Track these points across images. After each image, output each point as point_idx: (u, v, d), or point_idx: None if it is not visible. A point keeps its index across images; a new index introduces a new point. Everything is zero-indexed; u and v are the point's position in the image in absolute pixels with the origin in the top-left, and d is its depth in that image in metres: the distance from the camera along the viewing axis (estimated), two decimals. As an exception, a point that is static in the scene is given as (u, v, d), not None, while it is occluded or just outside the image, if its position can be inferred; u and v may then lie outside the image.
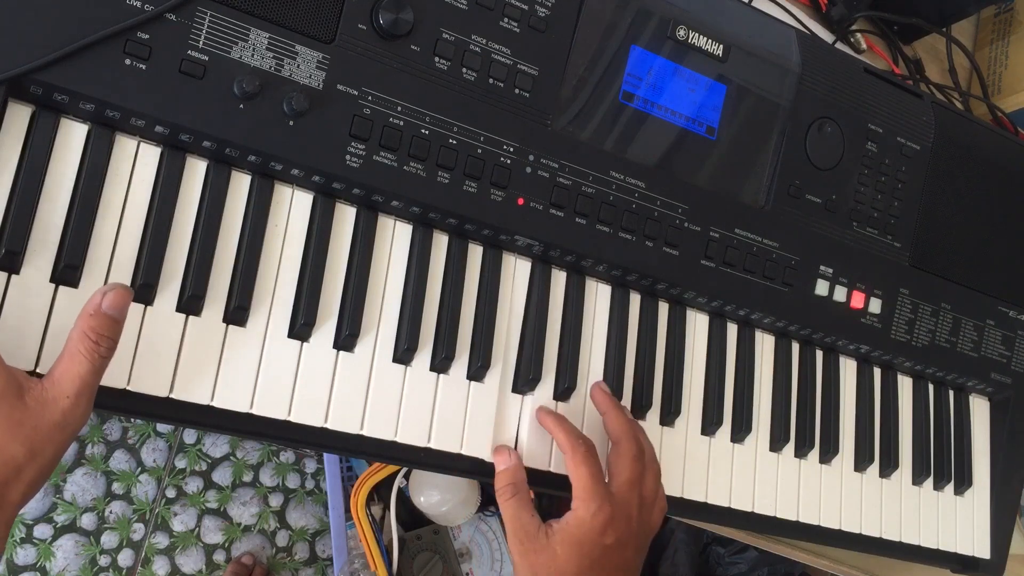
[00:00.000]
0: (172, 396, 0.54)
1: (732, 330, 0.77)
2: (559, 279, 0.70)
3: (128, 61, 0.53)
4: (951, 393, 0.89)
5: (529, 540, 0.61)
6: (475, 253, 0.66)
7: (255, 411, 0.57)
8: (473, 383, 0.65)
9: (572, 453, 0.62)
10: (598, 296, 0.71)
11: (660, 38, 0.70)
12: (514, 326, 0.67)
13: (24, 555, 1.43)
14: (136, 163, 0.56)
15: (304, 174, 0.59)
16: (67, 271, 0.52)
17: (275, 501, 1.58)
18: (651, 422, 0.71)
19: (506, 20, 0.64)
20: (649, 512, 0.65)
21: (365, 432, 0.60)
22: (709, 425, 0.74)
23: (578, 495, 0.62)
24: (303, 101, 0.57)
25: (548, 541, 0.61)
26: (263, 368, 0.57)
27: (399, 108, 0.61)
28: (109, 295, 0.49)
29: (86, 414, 0.48)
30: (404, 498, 1.25)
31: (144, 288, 0.54)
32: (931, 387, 0.88)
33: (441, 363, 0.63)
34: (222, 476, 1.56)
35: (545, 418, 0.66)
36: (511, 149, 0.64)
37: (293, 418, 0.58)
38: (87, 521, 1.47)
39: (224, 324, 0.57)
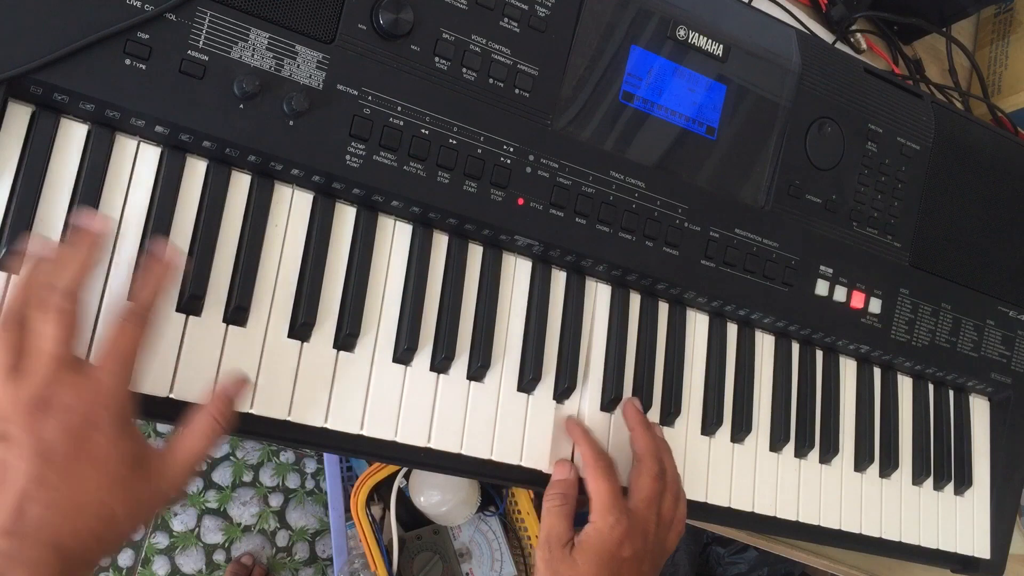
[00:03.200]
0: (172, 396, 0.54)
1: (732, 330, 0.77)
2: (559, 279, 0.70)
3: (128, 61, 0.53)
4: (951, 393, 0.89)
5: (557, 549, 0.63)
6: (475, 253, 0.66)
7: (255, 411, 0.57)
8: (473, 383, 0.65)
9: (593, 466, 0.64)
10: (598, 296, 0.71)
11: (660, 38, 0.70)
12: (514, 326, 0.67)
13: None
14: (136, 163, 0.56)
15: (304, 174, 0.59)
16: (67, 271, 0.52)
17: (275, 501, 1.58)
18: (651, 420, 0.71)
19: (506, 20, 0.64)
20: (666, 531, 0.66)
21: (365, 432, 0.60)
22: (709, 425, 0.74)
23: (596, 508, 0.64)
24: (303, 101, 0.57)
25: (572, 553, 0.63)
26: (263, 368, 0.57)
27: (399, 108, 0.61)
28: (238, 383, 0.53)
29: (187, 488, 0.52)
30: (404, 498, 1.25)
31: (144, 288, 0.54)
32: (931, 387, 0.88)
33: (441, 363, 0.63)
34: (222, 476, 1.56)
35: (574, 429, 0.67)
36: (511, 149, 0.64)
37: (293, 418, 0.58)
38: (87, 521, 1.47)
39: (224, 324, 0.57)
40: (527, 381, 0.66)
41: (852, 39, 1.00)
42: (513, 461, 0.65)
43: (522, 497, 1.27)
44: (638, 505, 0.64)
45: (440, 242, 0.65)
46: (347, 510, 1.30)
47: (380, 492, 1.24)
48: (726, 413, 0.75)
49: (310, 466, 1.62)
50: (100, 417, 0.47)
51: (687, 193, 0.71)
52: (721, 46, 0.72)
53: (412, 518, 1.26)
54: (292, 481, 1.60)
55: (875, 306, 0.79)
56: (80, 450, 0.46)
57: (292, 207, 0.60)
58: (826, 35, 0.97)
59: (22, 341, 0.46)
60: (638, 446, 0.67)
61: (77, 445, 0.46)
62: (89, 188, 0.54)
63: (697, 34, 0.71)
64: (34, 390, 0.46)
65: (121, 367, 0.48)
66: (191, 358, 0.55)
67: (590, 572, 0.62)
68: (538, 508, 1.27)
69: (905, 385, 0.86)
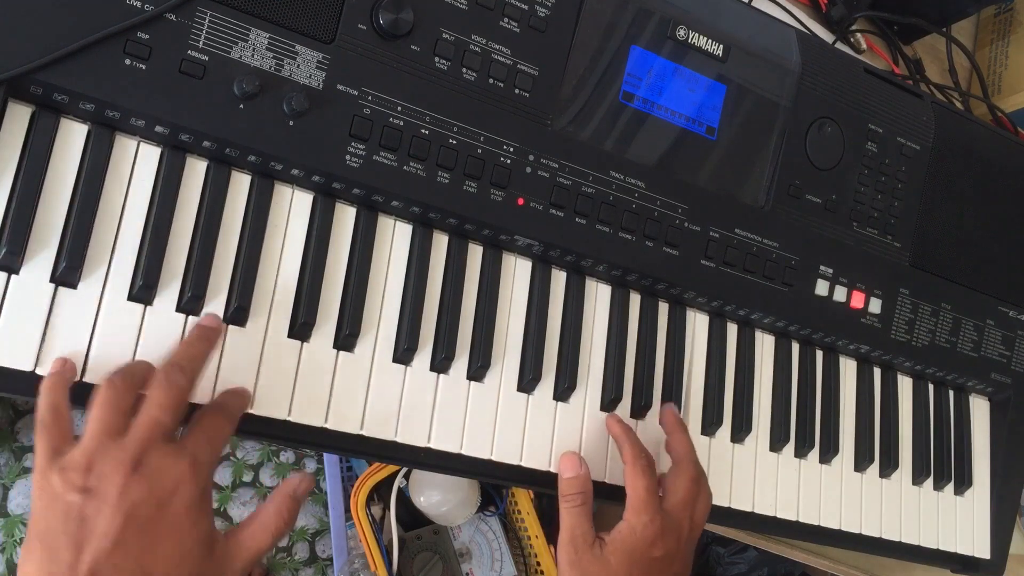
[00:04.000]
0: (172, 396, 0.54)
1: (732, 330, 0.77)
2: (559, 279, 0.70)
3: (128, 61, 0.53)
4: (951, 393, 0.89)
5: (585, 549, 0.62)
6: (475, 253, 0.66)
7: (255, 411, 0.57)
8: (473, 383, 0.65)
9: (634, 464, 0.64)
10: (598, 296, 0.71)
11: (660, 38, 0.70)
12: (514, 326, 0.67)
13: (24, 555, 1.43)
14: (136, 163, 0.56)
15: (304, 174, 0.59)
16: (67, 272, 0.52)
17: (275, 501, 1.58)
18: (651, 422, 0.71)
19: (506, 20, 0.64)
20: (697, 535, 0.66)
21: (365, 432, 0.60)
22: (709, 425, 0.74)
23: (632, 505, 0.63)
24: (303, 101, 0.57)
25: (601, 551, 0.62)
26: (263, 367, 0.57)
27: (399, 108, 0.61)
28: (305, 482, 0.54)
29: None
30: (404, 498, 1.25)
31: (144, 289, 0.54)
32: (931, 387, 0.88)
33: (441, 363, 0.63)
34: (222, 476, 1.56)
35: (614, 426, 0.68)
36: (511, 149, 0.64)
37: (293, 418, 0.58)
38: (87, 521, 1.47)
39: (224, 324, 0.57)
40: (527, 381, 0.66)
41: (852, 39, 1.00)
42: (513, 461, 0.65)
43: (522, 497, 1.27)
44: (675, 506, 0.64)
45: (440, 242, 0.65)
46: (347, 510, 1.30)
47: (380, 492, 1.24)
48: (726, 413, 0.75)
49: (310, 466, 1.62)
50: (187, 490, 0.47)
51: (687, 193, 0.71)
52: (721, 46, 0.72)
53: (412, 518, 1.26)
54: (292, 481, 1.60)
55: (875, 306, 0.79)
56: (162, 518, 0.46)
57: (292, 207, 0.60)
58: (826, 35, 0.97)
59: (132, 406, 0.48)
60: (677, 449, 0.68)
61: (160, 513, 0.46)
62: (89, 188, 0.54)
63: (697, 34, 0.71)
64: (132, 450, 0.46)
65: (212, 449, 0.50)
66: (191, 358, 0.55)
67: (621, 571, 0.61)
68: (538, 508, 1.27)
69: (905, 385, 0.86)
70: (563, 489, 0.65)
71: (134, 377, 0.49)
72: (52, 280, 0.52)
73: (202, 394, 0.55)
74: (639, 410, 0.71)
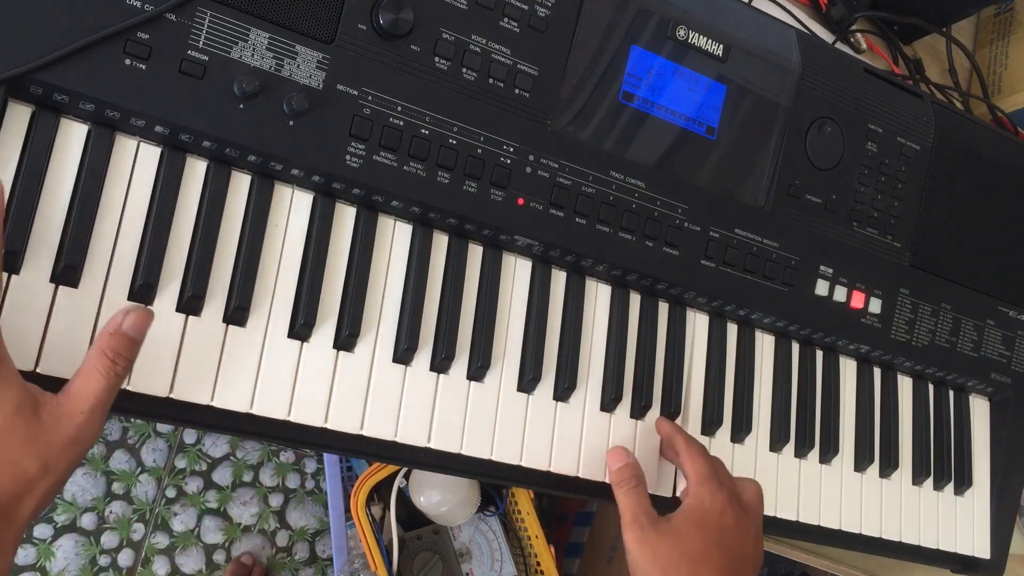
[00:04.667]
0: (172, 396, 0.54)
1: (732, 330, 0.77)
2: (559, 279, 0.70)
3: (128, 61, 0.53)
4: (951, 393, 0.89)
5: (649, 525, 0.63)
6: (475, 253, 0.66)
7: (255, 411, 0.57)
8: (473, 383, 0.65)
9: (687, 449, 0.67)
10: (598, 296, 0.71)
11: (660, 38, 0.70)
12: (514, 326, 0.67)
13: (24, 555, 1.43)
14: (136, 163, 0.56)
15: (304, 174, 0.59)
16: (67, 271, 0.52)
17: (275, 501, 1.58)
18: (651, 422, 0.71)
19: (506, 20, 0.64)
20: (760, 523, 0.67)
21: (365, 432, 0.60)
22: (709, 425, 0.74)
23: (695, 481, 0.65)
24: (303, 101, 0.57)
25: (669, 524, 0.63)
26: (263, 368, 0.57)
27: (399, 108, 0.61)
28: (130, 316, 0.50)
29: (99, 430, 0.49)
30: (404, 498, 1.25)
31: (144, 288, 0.54)
32: (931, 387, 0.88)
33: (441, 363, 0.63)
34: (222, 476, 1.56)
35: (663, 424, 0.71)
36: (511, 149, 0.64)
37: (293, 418, 0.58)
38: (87, 521, 1.47)
39: (224, 324, 0.57)
40: (527, 381, 0.66)
41: (852, 39, 1.00)
42: (513, 461, 0.65)
43: (522, 497, 1.27)
44: (729, 481, 0.66)
45: (440, 242, 0.65)
46: (347, 510, 1.30)
47: (380, 492, 1.24)
48: (726, 413, 0.75)
49: (310, 466, 1.62)
50: None
51: (687, 193, 0.71)
52: (721, 46, 0.72)
53: (412, 518, 1.26)
54: (292, 481, 1.60)
55: (875, 306, 0.79)
56: None
57: (292, 207, 0.60)
58: (826, 35, 0.97)
59: None
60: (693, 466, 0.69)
61: None
62: (89, 188, 0.54)
63: (697, 34, 0.71)
64: None
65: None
66: (191, 358, 0.55)
67: (694, 540, 0.61)
68: (538, 508, 1.27)
69: (905, 385, 0.86)
70: (615, 478, 0.66)
71: None
72: (52, 280, 0.52)
73: (201, 392, 0.55)
74: (639, 410, 0.71)
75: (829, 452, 0.79)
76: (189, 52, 0.55)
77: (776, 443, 0.77)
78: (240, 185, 0.59)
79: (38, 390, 0.47)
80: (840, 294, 0.78)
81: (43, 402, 0.47)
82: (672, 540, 0.62)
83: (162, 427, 1.54)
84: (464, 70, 0.63)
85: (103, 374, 0.48)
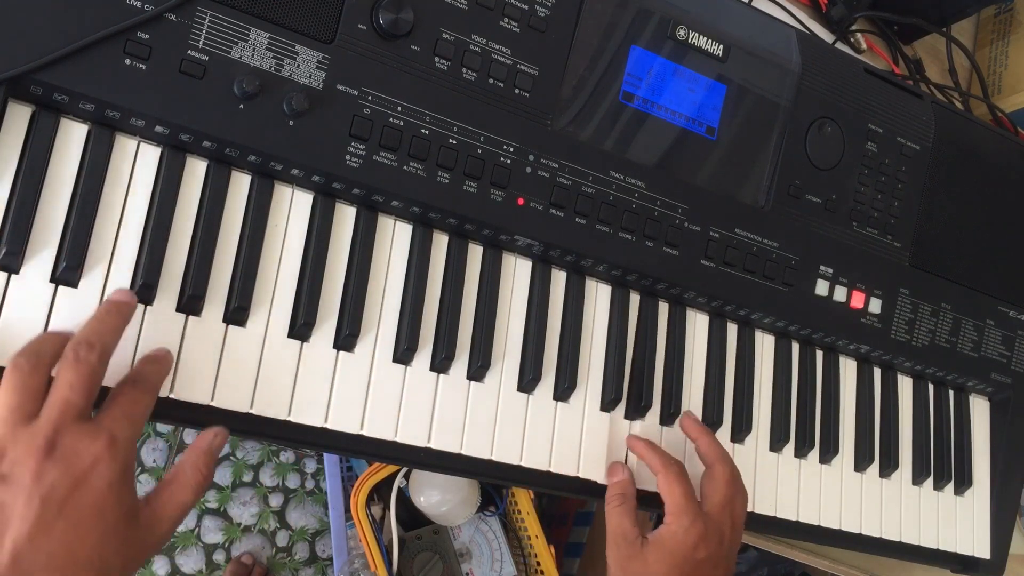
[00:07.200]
0: (172, 396, 0.54)
1: (732, 330, 0.77)
2: (559, 279, 0.70)
3: (128, 61, 0.53)
4: (951, 393, 0.89)
5: (627, 547, 0.64)
6: (475, 253, 0.66)
7: (255, 411, 0.57)
8: (473, 383, 0.65)
9: (665, 472, 0.65)
10: (598, 296, 0.71)
11: (660, 38, 0.70)
12: (514, 326, 0.67)
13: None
14: (136, 163, 0.56)
15: (304, 174, 0.59)
16: (67, 271, 0.52)
17: (275, 501, 1.58)
18: (650, 422, 0.71)
19: (506, 20, 0.64)
20: (739, 535, 0.67)
21: (365, 432, 0.60)
22: (709, 425, 0.74)
23: (672, 511, 0.64)
24: (303, 101, 0.57)
25: (642, 550, 0.63)
26: (263, 368, 0.57)
27: (399, 108, 0.61)
28: (220, 435, 0.53)
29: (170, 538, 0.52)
30: (404, 498, 1.25)
31: (144, 288, 0.54)
32: (931, 387, 0.88)
33: (441, 363, 0.63)
34: (222, 476, 1.56)
35: (635, 443, 0.69)
36: (511, 149, 0.64)
37: (293, 418, 0.58)
38: (87, 521, 1.47)
39: (224, 324, 0.57)
40: (527, 381, 0.66)
41: (852, 39, 1.00)
42: (513, 461, 0.65)
43: (522, 497, 1.27)
44: (714, 508, 0.65)
45: (440, 242, 0.65)
46: (347, 510, 1.30)
47: (380, 492, 1.24)
48: (726, 413, 0.75)
49: (310, 466, 1.62)
50: (105, 468, 0.47)
51: (687, 193, 0.71)
52: (721, 46, 0.72)
53: (412, 518, 1.26)
54: (292, 481, 1.60)
55: (875, 306, 0.79)
56: (82, 498, 0.46)
57: (292, 207, 0.60)
58: (826, 35, 0.97)
59: (43, 387, 0.47)
60: (707, 453, 0.69)
61: (79, 493, 0.46)
62: (89, 188, 0.54)
63: (697, 34, 0.71)
64: (44, 433, 0.45)
65: (130, 424, 0.49)
66: (191, 358, 0.55)
67: (661, 571, 0.62)
68: (538, 508, 1.27)
69: (905, 385, 0.86)
70: (607, 493, 0.67)
71: (41, 356, 0.47)
72: (52, 280, 0.52)
73: (201, 392, 0.55)
74: (639, 410, 0.71)
75: (829, 452, 0.79)
76: (189, 52, 0.55)
77: (776, 443, 0.77)
78: (240, 185, 0.59)
79: (135, 496, 0.49)
80: (840, 294, 0.78)
81: (140, 507, 0.49)
82: (642, 567, 0.63)
83: (162, 427, 1.54)
84: (464, 70, 0.63)
85: (194, 491, 0.51)
